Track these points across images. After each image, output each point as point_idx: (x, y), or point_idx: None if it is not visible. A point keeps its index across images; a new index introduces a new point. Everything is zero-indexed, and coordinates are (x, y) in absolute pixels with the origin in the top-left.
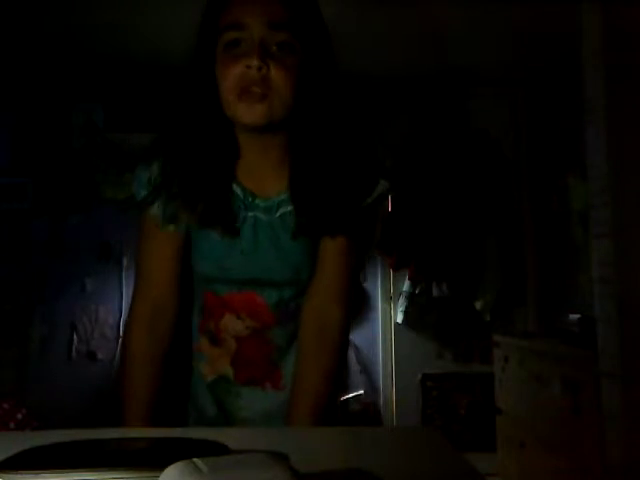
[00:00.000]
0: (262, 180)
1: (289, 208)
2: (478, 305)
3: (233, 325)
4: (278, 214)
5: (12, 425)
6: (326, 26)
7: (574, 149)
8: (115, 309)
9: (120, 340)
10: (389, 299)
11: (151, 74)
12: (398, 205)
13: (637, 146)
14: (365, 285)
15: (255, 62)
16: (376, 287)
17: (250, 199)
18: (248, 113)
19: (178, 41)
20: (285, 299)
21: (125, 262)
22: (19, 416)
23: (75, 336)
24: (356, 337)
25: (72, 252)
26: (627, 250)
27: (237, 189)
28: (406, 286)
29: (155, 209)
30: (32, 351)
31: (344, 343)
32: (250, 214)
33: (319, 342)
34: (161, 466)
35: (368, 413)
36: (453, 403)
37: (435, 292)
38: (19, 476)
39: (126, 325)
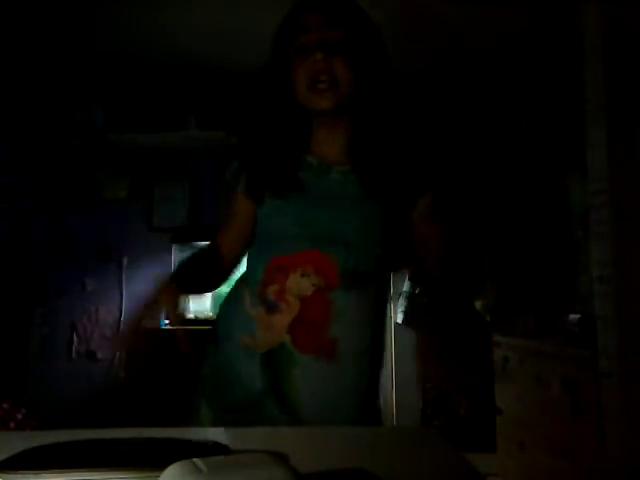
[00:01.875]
0: (331, 153)
1: (354, 176)
2: (478, 305)
3: (298, 284)
4: (350, 179)
5: (12, 425)
6: (376, 25)
7: (574, 149)
8: (115, 309)
9: None
10: (389, 299)
11: (151, 74)
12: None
13: (637, 146)
14: None
15: (319, 55)
16: None
17: (324, 167)
18: (321, 101)
19: (180, 41)
20: (352, 260)
21: (125, 262)
22: (19, 416)
23: (75, 336)
24: None
25: (72, 252)
26: (627, 250)
27: (313, 160)
28: (406, 286)
29: (239, 187)
30: (32, 351)
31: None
32: (325, 178)
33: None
34: (161, 466)
35: None
36: (453, 403)
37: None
38: (19, 476)
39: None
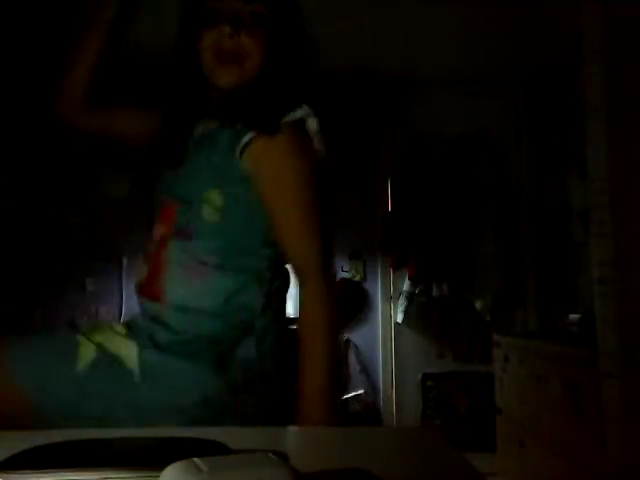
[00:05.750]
0: None
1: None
2: (478, 305)
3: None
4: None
5: None
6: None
7: (574, 149)
8: (115, 309)
9: None
10: (389, 299)
11: (151, 74)
12: (398, 205)
13: (637, 146)
14: (365, 285)
15: (227, 29)
16: (376, 287)
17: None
18: (223, 75)
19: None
20: (187, 216)
21: (125, 262)
22: None
23: None
24: (356, 337)
25: (72, 252)
26: (627, 250)
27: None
28: (406, 286)
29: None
30: None
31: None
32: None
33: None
34: (161, 466)
35: (368, 413)
36: (453, 403)
37: (435, 292)
38: (19, 476)
39: None
